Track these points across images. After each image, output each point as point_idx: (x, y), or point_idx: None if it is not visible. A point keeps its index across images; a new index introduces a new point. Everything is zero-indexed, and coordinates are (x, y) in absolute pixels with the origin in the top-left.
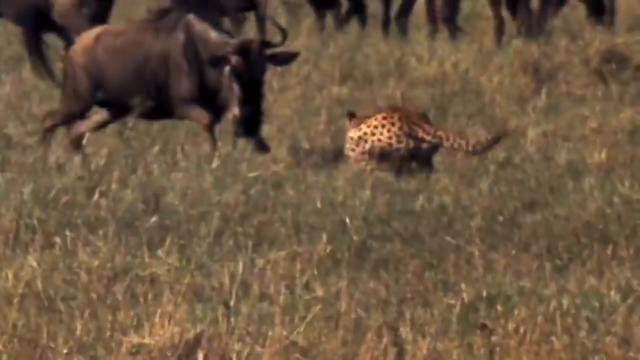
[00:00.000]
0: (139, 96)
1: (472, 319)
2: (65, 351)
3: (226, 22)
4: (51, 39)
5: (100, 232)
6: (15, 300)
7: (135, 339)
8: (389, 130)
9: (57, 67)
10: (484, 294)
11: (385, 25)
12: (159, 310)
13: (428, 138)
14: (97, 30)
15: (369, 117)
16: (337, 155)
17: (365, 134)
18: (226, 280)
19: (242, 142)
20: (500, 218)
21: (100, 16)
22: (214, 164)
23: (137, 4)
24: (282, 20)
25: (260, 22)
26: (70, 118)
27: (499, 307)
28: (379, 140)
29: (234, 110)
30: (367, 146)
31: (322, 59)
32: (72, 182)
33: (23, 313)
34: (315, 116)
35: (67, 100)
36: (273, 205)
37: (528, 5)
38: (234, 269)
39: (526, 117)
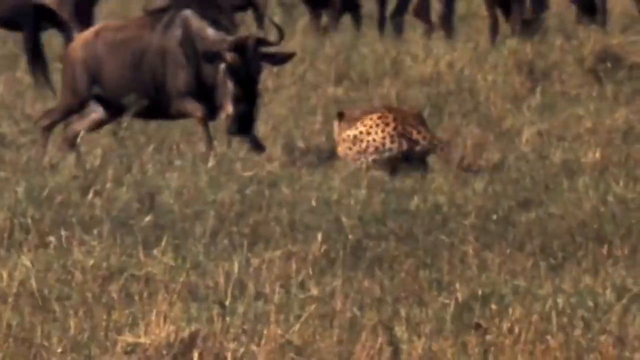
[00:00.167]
0: (133, 94)
1: (466, 318)
2: (59, 350)
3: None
4: (50, 40)
5: (95, 232)
6: (10, 300)
7: (130, 338)
8: (382, 130)
9: (54, 67)
10: (479, 293)
11: (381, 24)
12: (154, 310)
13: (422, 142)
14: (98, 26)
15: (359, 117)
16: (332, 155)
17: (361, 132)
18: (221, 280)
19: (237, 141)
20: (495, 217)
21: (84, 10)
22: (209, 163)
23: (135, 3)
24: (278, 20)
25: (259, 21)
26: (68, 113)
27: (494, 306)
28: (374, 139)
29: (228, 109)
30: (363, 145)
31: (318, 58)
32: (67, 181)
33: (17, 312)
34: (310, 115)
35: (64, 95)
36: (268, 205)
37: (522, 5)
38: (229, 268)
39: (521, 117)
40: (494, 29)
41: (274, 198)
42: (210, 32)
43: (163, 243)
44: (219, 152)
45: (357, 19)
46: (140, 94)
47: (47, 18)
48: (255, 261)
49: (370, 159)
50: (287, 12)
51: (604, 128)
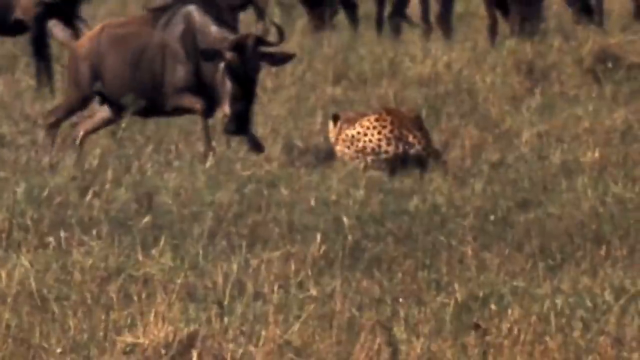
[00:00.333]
0: (133, 90)
1: (465, 318)
2: (58, 351)
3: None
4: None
5: (94, 232)
6: (9, 300)
7: (129, 339)
8: (379, 132)
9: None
10: (478, 293)
11: (379, 25)
12: (152, 310)
13: (417, 146)
14: (104, 23)
15: (356, 118)
16: (331, 155)
17: (358, 133)
18: (220, 280)
19: (236, 141)
20: (493, 217)
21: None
22: (208, 164)
23: (134, 3)
24: (276, 20)
25: (260, 17)
26: (72, 110)
27: (493, 307)
28: (370, 141)
29: (225, 109)
30: (360, 145)
31: (316, 58)
32: (66, 182)
33: (16, 313)
34: (309, 116)
35: (68, 91)
36: (267, 205)
37: (520, 5)
38: (227, 268)
39: (520, 117)
40: (493, 29)
41: (273, 198)
42: (213, 28)
43: (161, 243)
44: (218, 152)
45: (353, 19)
46: (139, 90)
47: (56, 14)
48: (253, 261)
49: (367, 159)
50: (286, 13)
51: (603, 128)
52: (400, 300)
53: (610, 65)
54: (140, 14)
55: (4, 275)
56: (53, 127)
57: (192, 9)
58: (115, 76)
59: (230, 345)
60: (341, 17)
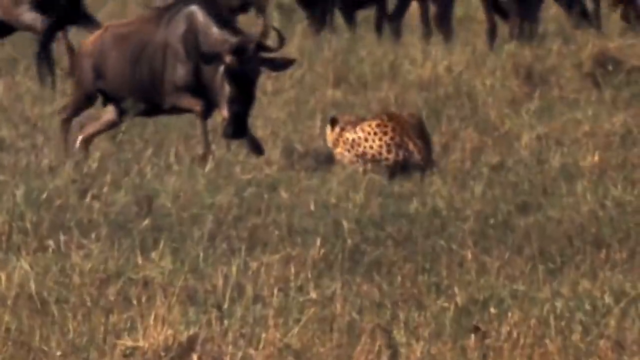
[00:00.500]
0: (133, 89)
1: (465, 322)
2: (58, 354)
3: None
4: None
5: (93, 235)
6: (8, 303)
7: (128, 342)
8: (380, 139)
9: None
10: (477, 297)
11: (379, 28)
12: (152, 313)
13: (416, 155)
14: (109, 23)
15: (356, 122)
16: (330, 159)
17: (359, 137)
18: (220, 283)
19: (236, 144)
20: (493, 221)
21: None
22: (208, 167)
23: (134, 4)
24: (276, 24)
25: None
26: (78, 108)
27: (492, 310)
28: (371, 147)
29: (223, 112)
30: (360, 150)
31: (316, 61)
32: (65, 185)
33: (16, 316)
34: (309, 119)
35: (74, 89)
36: (266, 208)
37: (519, 9)
38: (227, 271)
39: (519, 121)
40: (492, 33)
41: (273, 201)
42: (215, 30)
43: (161, 246)
44: (217, 155)
45: (349, 22)
46: (139, 87)
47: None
48: (253, 265)
49: (366, 164)
50: (286, 16)
51: (602, 132)
52: (400, 303)
53: (609, 69)
54: (143, 14)
55: (3, 278)
56: (65, 122)
57: (195, 9)
58: (116, 73)
59: (230, 349)
60: (341, 20)
